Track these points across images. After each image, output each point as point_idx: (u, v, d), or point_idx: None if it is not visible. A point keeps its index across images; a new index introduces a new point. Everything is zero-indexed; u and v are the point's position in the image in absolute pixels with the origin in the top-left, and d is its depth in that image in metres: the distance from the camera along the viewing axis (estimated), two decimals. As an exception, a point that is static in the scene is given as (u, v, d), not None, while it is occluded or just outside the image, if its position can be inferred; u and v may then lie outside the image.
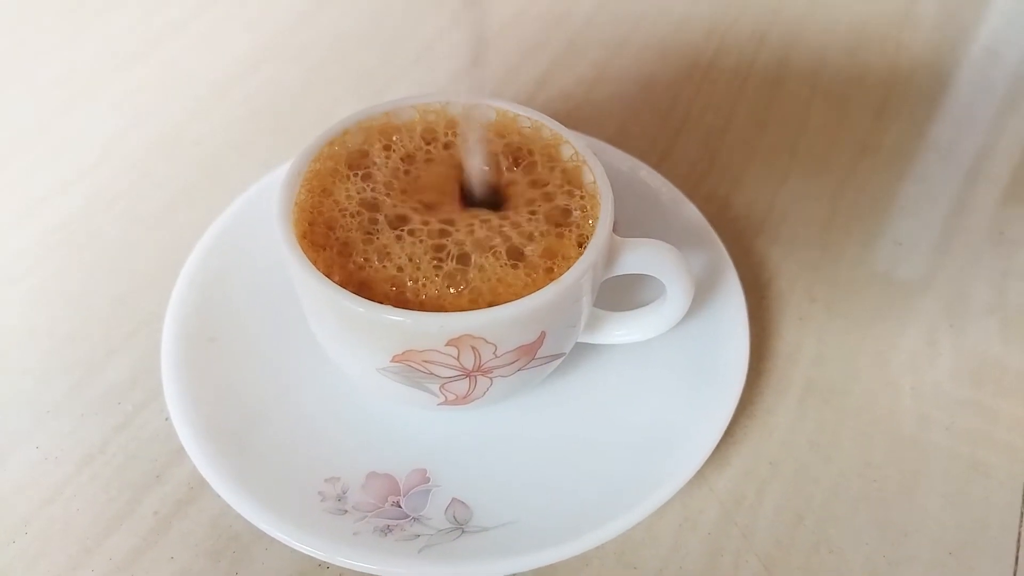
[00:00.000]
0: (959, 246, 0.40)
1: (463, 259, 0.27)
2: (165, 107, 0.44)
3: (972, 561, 0.30)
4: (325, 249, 0.27)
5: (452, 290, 0.26)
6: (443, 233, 0.28)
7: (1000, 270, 0.39)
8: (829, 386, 0.35)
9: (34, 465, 0.31)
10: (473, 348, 0.26)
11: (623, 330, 0.32)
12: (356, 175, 0.29)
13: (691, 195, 0.37)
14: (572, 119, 0.44)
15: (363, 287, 0.26)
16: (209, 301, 0.34)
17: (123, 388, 0.33)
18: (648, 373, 0.33)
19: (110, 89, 0.45)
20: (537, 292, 0.26)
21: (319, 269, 0.26)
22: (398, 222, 0.28)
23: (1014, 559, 0.30)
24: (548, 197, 0.29)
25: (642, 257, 0.29)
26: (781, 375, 0.35)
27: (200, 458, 0.29)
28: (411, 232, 0.27)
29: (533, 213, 0.28)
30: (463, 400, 0.29)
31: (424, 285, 0.26)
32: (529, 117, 0.31)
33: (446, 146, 0.30)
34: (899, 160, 0.44)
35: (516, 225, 0.28)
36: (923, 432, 0.33)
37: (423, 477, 0.30)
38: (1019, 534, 0.31)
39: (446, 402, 0.29)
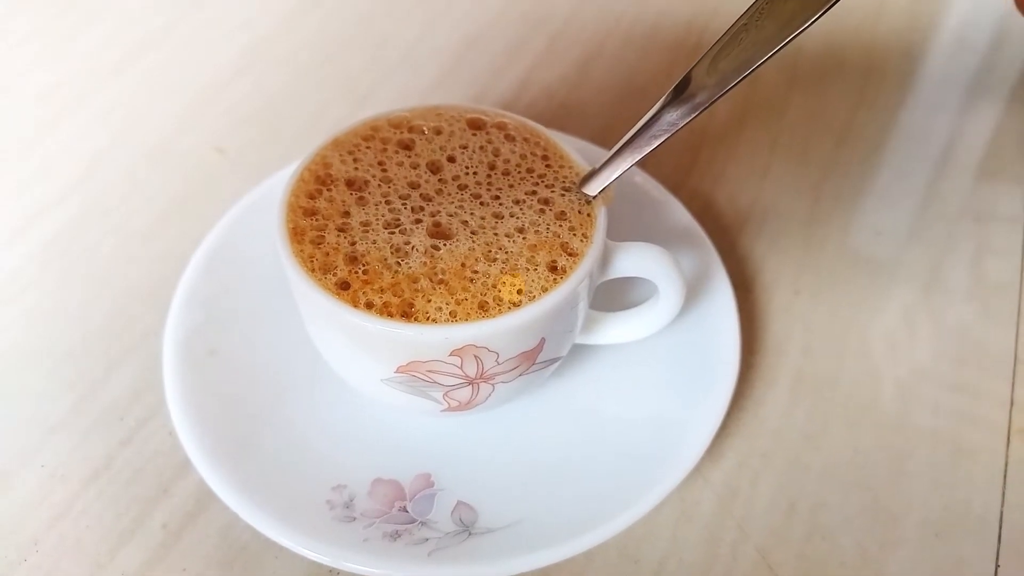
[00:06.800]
0: (936, 230, 0.41)
1: (454, 263, 0.27)
2: (151, 118, 0.44)
3: (958, 541, 0.31)
4: (315, 258, 0.28)
5: (447, 299, 0.27)
6: (435, 234, 0.28)
7: (976, 251, 0.40)
8: (817, 376, 0.36)
9: (41, 483, 0.32)
10: (476, 357, 0.27)
11: (618, 330, 0.33)
12: (343, 186, 0.30)
13: (675, 192, 0.38)
14: (556, 119, 0.45)
15: (361, 298, 0.27)
16: (207, 314, 0.34)
17: (125, 403, 0.34)
18: (642, 371, 0.34)
19: (93, 102, 0.45)
20: (537, 301, 0.26)
21: (312, 276, 0.27)
22: (389, 224, 0.28)
23: (996, 538, 0.31)
24: (544, 201, 0.29)
25: (635, 260, 0.30)
26: (770, 366, 0.36)
27: (208, 472, 0.29)
28: (402, 247, 0.28)
29: (529, 220, 0.29)
30: (465, 406, 0.30)
31: (420, 293, 0.27)
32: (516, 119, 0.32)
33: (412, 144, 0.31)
34: (877, 148, 0.45)
35: (514, 231, 0.28)
36: (908, 416, 0.35)
37: (428, 481, 0.31)
38: (1001, 514, 0.32)
39: (449, 408, 0.30)
